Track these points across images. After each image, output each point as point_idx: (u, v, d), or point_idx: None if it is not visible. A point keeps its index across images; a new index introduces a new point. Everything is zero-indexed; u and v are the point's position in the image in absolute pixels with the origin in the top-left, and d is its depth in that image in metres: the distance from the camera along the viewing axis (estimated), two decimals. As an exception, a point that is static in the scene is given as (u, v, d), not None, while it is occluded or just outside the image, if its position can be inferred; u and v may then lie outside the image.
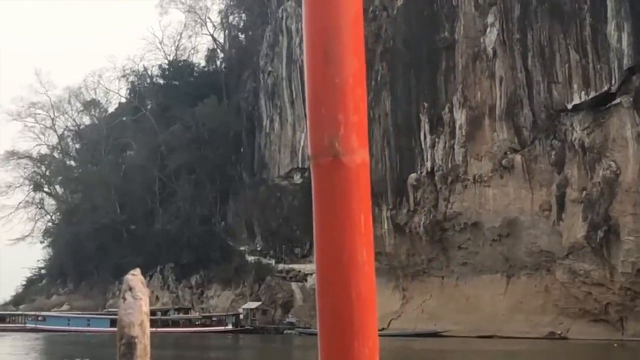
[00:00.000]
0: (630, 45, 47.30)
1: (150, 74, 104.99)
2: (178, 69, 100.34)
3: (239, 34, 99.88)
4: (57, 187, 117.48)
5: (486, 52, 56.29)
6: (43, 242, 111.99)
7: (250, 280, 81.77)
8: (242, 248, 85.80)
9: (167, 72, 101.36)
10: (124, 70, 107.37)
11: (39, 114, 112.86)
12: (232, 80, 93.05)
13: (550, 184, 52.46)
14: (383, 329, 58.45)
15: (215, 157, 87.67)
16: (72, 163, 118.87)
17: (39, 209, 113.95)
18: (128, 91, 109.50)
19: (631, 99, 47.43)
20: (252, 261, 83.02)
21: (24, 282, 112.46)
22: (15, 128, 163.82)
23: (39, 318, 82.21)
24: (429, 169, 60.53)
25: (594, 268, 49.74)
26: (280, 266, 79.98)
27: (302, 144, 77.54)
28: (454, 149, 58.64)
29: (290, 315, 74.95)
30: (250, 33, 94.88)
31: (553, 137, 52.32)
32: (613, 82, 48.26)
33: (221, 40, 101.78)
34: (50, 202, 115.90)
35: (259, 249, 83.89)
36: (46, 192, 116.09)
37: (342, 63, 1.52)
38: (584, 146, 49.96)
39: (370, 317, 1.53)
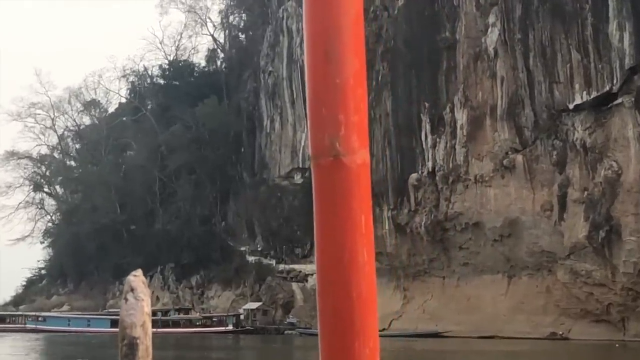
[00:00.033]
0: (631, 45, 47.18)
1: (150, 74, 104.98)
2: (178, 69, 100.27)
3: (240, 34, 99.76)
4: (57, 187, 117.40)
5: (487, 52, 56.16)
6: (43, 242, 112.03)
7: (251, 281, 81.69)
8: (242, 248, 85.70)
9: (167, 72, 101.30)
10: (124, 71, 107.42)
11: (39, 114, 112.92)
12: (232, 80, 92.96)
13: (552, 184, 52.34)
14: (384, 329, 58.35)
15: (216, 157, 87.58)
16: (72, 163, 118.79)
17: (39, 209, 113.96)
18: (128, 91, 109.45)
19: (633, 99, 47.31)
20: (253, 261, 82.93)
21: (24, 283, 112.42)
22: (16, 128, 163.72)
23: (39, 318, 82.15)
24: (430, 169, 60.41)
25: (596, 268, 49.62)
26: (281, 266, 79.88)
27: (302, 144, 77.44)
28: (455, 149, 58.52)
29: (291, 316, 74.86)
30: (250, 33, 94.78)
31: (554, 137, 52.20)
32: (615, 82, 48.14)
33: (221, 40, 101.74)
34: (50, 203, 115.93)
35: (259, 249, 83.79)
36: (46, 193, 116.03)
37: (342, 63, 1.51)
38: (586, 146, 49.83)
39: (371, 317, 1.53)
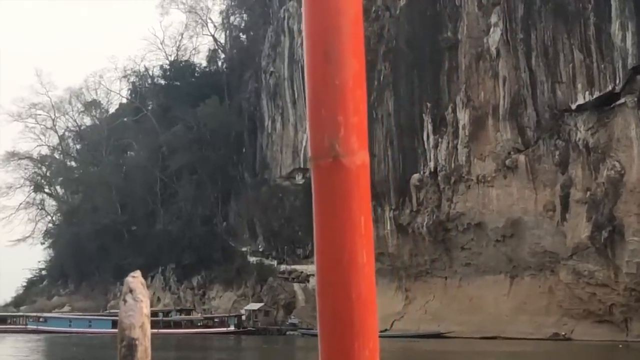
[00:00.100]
0: (634, 44, 47.10)
1: (151, 75, 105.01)
2: (179, 70, 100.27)
3: (240, 34, 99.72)
4: (58, 187, 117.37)
5: (489, 52, 56.08)
6: (44, 243, 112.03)
7: (252, 281, 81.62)
8: (244, 249, 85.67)
9: (168, 73, 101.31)
10: (125, 71, 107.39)
11: (40, 114, 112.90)
12: (233, 80, 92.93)
13: (554, 184, 52.26)
14: (386, 330, 58.35)
15: (217, 158, 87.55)
16: (73, 164, 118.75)
17: (40, 209, 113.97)
18: (129, 92, 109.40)
19: (635, 99, 47.22)
20: (254, 262, 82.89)
21: (25, 284, 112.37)
22: (16, 129, 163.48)
23: (41, 319, 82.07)
24: (432, 169, 60.34)
25: (598, 269, 49.54)
26: (283, 267, 79.85)
27: (304, 144, 77.36)
28: (457, 149, 58.44)
29: (292, 317, 74.80)
30: (251, 33, 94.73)
31: (557, 137, 52.12)
32: (617, 81, 48.06)
33: (222, 41, 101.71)
34: (51, 203, 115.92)
35: (260, 249, 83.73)
36: (47, 193, 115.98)
37: (342, 64, 1.50)
38: (588, 146, 49.76)
39: (371, 318, 1.53)
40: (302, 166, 78.56)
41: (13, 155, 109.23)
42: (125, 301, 1.83)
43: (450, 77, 58.95)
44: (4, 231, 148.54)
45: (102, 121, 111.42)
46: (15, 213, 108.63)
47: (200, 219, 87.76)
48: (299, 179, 78.69)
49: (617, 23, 47.90)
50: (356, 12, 1.53)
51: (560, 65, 51.57)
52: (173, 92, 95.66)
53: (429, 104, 60.30)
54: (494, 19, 55.87)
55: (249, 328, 74.27)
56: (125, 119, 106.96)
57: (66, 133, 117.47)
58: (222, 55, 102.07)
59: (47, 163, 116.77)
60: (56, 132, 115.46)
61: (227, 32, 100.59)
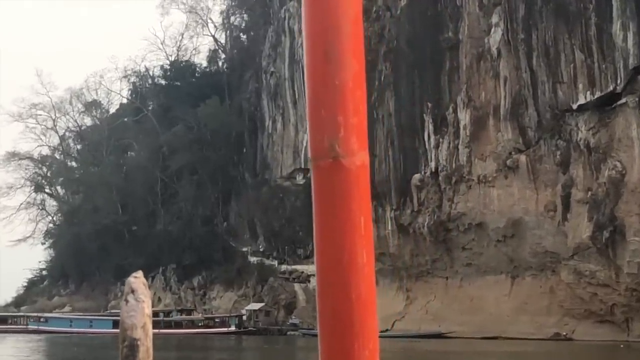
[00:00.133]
0: (635, 44, 47.02)
1: (151, 75, 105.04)
2: (180, 70, 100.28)
3: (241, 34, 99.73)
4: (59, 188, 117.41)
5: (490, 52, 56.00)
6: (44, 243, 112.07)
7: (253, 281, 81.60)
8: (244, 249, 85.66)
9: (168, 73, 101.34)
10: (125, 71, 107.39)
11: (40, 115, 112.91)
12: (234, 80, 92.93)
13: (555, 184, 52.20)
14: (387, 330, 58.36)
15: (218, 158, 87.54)
16: (74, 164, 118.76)
17: (40, 210, 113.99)
18: (130, 92, 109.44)
19: (637, 99, 47.15)
20: (255, 262, 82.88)
21: (25, 284, 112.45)
22: (17, 129, 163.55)
23: (41, 319, 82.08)
24: (433, 170, 60.27)
25: (600, 269, 49.48)
26: (283, 267, 79.83)
27: (304, 144, 77.32)
28: (458, 149, 58.37)
29: (293, 317, 74.77)
30: (252, 33, 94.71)
31: (558, 137, 52.05)
32: (618, 81, 47.99)
33: (223, 41, 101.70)
34: (51, 203, 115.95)
35: (261, 249, 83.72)
36: (47, 193, 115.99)
37: (342, 64, 1.51)
38: (590, 146, 49.69)
39: (371, 318, 1.53)
40: (302, 166, 78.54)
41: (14, 156, 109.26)
42: (127, 301, 1.84)
43: (451, 77, 58.88)
44: (4, 231, 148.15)
45: (103, 121, 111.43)
46: (16, 213, 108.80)
47: (200, 219, 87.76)
48: (300, 179, 78.67)
49: (619, 23, 47.83)
50: (356, 12, 1.54)
51: (561, 65, 51.51)
52: (173, 92, 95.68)
53: (429, 104, 60.23)
54: (495, 19, 55.80)
55: (249, 328, 74.23)
56: (125, 119, 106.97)
57: (67, 133, 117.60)
58: (223, 56, 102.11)
59: (47, 163, 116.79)
60: (57, 132, 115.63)
61: (228, 32, 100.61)
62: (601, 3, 48.78)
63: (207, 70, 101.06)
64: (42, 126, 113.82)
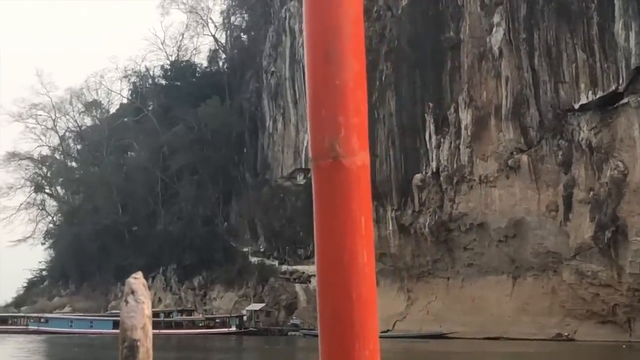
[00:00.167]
0: (637, 44, 46.88)
1: (152, 75, 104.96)
2: (180, 70, 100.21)
3: (241, 34, 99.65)
4: (59, 188, 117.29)
5: (492, 52, 55.86)
6: (44, 243, 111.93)
7: (254, 282, 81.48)
8: (245, 249, 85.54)
9: (169, 73, 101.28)
10: (125, 71, 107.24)
11: (40, 115, 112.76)
12: (234, 80, 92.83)
13: (557, 184, 52.05)
14: (388, 330, 58.25)
15: (218, 158, 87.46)
16: (74, 164, 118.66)
17: (40, 210, 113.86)
18: (130, 92, 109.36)
19: (639, 99, 47.03)
20: (256, 262, 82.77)
21: (26, 284, 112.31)
22: (17, 129, 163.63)
23: (42, 320, 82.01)
24: (434, 170, 60.13)
25: (602, 269, 49.34)
26: (284, 267, 79.71)
27: (305, 144, 77.23)
28: (459, 149, 58.23)
29: (294, 317, 74.66)
30: (252, 33, 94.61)
31: (560, 137, 51.91)
32: (620, 81, 47.85)
33: (223, 41, 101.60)
34: (51, 204, 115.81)
35: (262, 250, 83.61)
36: (47, 194, 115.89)
37: (342, 64, 1.51)
38: (591, 146, 49.55)
39: (371, 319, 1.53)
40: (303, 166, 78.41)
41: (14, 156, 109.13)
42: (127, 302, 1.84)
43: (452, 77, 58.74)
44: (4, 231, 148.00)
45: (103, 121, 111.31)
46: (16, 213, 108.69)
47: (201, 219, 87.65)
48: (301, 179, 78.54)
49: (621, 22, 47.69)
50: (357, 12, 1.53)
51: (563, 65, 51.37)
52: (174, 92, 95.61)
53: (431, 104, 60.09)
54: (496, 18, 55.65)
55: (250, 328, 74.10)
56: (126, 119, 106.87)
57: (67, 133, 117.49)
58: (223, 55, 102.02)
59: (47, 163, 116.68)
60: (57, 132, 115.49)
61: (228, 32, 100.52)
62: (603, 2, 48.64)
63: (208, 70, 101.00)
64: (42, 126, 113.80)
